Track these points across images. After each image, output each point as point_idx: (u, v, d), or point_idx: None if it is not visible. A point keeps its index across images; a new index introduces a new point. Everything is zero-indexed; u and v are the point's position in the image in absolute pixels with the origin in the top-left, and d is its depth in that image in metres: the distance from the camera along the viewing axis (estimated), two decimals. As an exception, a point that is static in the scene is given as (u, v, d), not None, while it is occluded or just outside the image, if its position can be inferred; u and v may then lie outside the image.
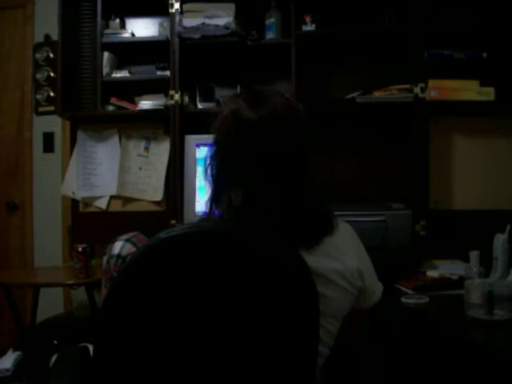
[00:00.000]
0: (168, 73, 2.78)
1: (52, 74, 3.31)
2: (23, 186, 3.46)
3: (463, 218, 2.65)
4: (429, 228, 2.51)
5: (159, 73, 2.86)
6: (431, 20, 2.54)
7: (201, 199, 2.47)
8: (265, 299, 0.93)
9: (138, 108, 2.83)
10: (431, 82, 2.52)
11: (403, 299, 1.76)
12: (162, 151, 2.93)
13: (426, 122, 2.58)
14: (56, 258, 3.31)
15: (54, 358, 1.93)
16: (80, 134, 3.00)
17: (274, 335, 0.93)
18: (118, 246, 1.32)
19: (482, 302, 1.49)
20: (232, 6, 2.66)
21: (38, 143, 3.43)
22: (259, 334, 0.93)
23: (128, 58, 2.97)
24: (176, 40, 2.72)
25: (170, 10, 2.75)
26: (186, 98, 2.82)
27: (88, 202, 3.01)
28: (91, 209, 3.01)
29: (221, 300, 0.92)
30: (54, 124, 3.31)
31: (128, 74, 2.90)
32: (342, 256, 1.12)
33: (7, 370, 2.10)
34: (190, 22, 2.67)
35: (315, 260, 1.03)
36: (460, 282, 1.78)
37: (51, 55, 3.31)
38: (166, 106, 2.78)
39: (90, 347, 1.07)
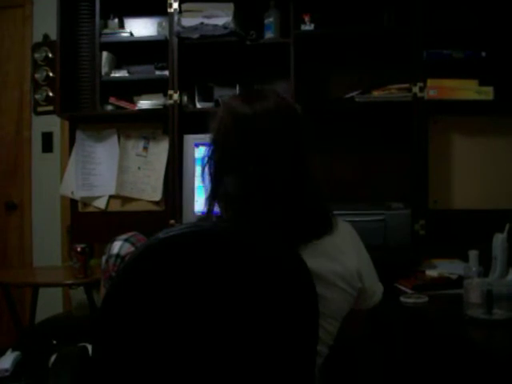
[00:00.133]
0: (167, 72, 2.78)
1: (51, 74, 3.31)
2: (22, 185, 3.45)
3: (462, 217, 2.65)
4: (428, 227, 2.51)
5: (158, 72, 2.86)
6: (430, 19, 2.54)
7: (199, 199, 2.47)
8: (264, 298, 0.93)
9: (136, 108, 2.83)
10: (430, 82, 2.52)
11: (402, 298, 1.76)
12: (160, 151, 2.93)
13: (425, 122, 2.58)
14: (55, 257, 3.31)
15: (53, 358, 1.92)
16: (79, 134, 3.00)
17: (272, 335, 0.93)
18: (116, 246, 1.31)
19: (481, 302, 1.49)
20: (231, 6, 2.66)
21: (36, 143, 3.43)
22: (258, 333, 0.93)
23: (127, 57, 2.97)
24: (175, 40, 2.72)
25: (169, 10, 2.75)
26: (185, 98, 2.82)
27: (87, 201, 3.01)
28: (90, 208, 3.01)
29: (220, 299, 0.92)
30: (53, 124, 3.31)
31: (127, 74, 2.90)
32: (342, 256, 1.11)
33: (6, 370, 2.10)
34: (188, 21, 2.67)
35: (315, 262, 1.02)
36: (459, 282, 1.78)
37: (50, 55, 3.31)
38: (164, 106, 2.78)
39: (89, 347, 1.07)
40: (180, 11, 2.72)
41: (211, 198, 1.11)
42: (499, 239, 1.76)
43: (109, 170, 2.97)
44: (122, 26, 2.96)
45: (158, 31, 2.89)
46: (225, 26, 2.62)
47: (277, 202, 1.05)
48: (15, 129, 3.48)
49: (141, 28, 2.99)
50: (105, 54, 2.87)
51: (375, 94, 2.59)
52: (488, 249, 1.79)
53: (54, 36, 3.04)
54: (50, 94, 3.33)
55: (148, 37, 2.90)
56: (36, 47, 3.37)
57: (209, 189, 1.12)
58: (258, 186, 1.05)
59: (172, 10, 2.74)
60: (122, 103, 2.86)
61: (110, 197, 2.98)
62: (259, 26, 2.73)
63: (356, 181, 2.76)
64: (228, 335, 0.92)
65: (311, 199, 1.10)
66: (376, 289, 1.24)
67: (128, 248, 1.30)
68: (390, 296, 1.44)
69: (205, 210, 1.12)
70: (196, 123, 2.58)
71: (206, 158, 1.12)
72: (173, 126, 2.75)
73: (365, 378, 1.64)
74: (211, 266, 0.91)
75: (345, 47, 2.78)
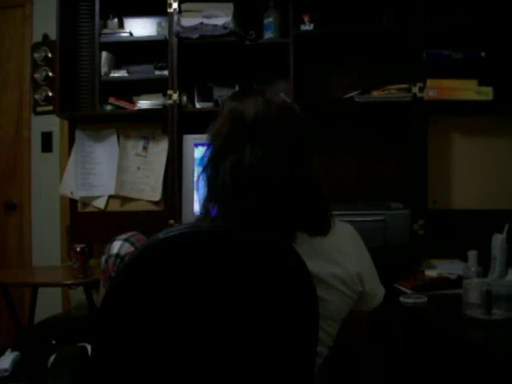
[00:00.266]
0: (166, 72, 2.78)
1: (50, 74, 3.30)
2: (21, 185, 3.45)
3: (462, 217, 2.65)
4: (427, 227, 2.51)
5: (157, 72, 2.85)
6: (430, 20, 2.55)
7: (199, 199, 2.46)
8: (263, 298, 0.93)
9: (136, 108, 2.83)
10: (429, 82, 2.52)
11: (402, 299, 1.76)
12: (160, 151, 2.93)
13: (424, 122, 2.58)
14: (54, 257, 3.31)
15: (52, 358, 1.92)
16: (78, 134, 3.00)
17: (272, 335, 0.93)
18: (116, 246, 1.31)
19: (480, 302, 1.50)
20: (230, 6, 2.66)
21: (36, 143, 3.43)
22: (257, 334, 0.93)
23: (126, 57, 2.97)
24: (174, 40, 2.72)
25: (169, 10, 2.75)
26: (185, 98, 2.82)
27: (86, 201, 3.01)
28: (89, 208, 3.01)
29: (220, 300, 0.91)
30: (53, 124, 3.31)
31: (126, 74, 2.90)
32: (342, 258, 1.11)
33: (5, 370, 2.09)
34: (188, 21, 2.67)
35: (315, 265, 1.02)
36: (458, 282, 1.79)
37: (49, 55, 3.31)
38: (164, 106, 2.78)
39: (89, 347, 1.07)
40: (179, 11, 2.72)
41: (209, 198, 1.11)
42: (498, 239, 1.76)
43: (108, 170, 2.97)
44: (121, 25, 2.96)
45: (158, 31, 2.89)
46: (224, 26, 2.62)
47: (275, 201, 1.05)
48: (15, 129, 3.48)
49: (140, 28, 2.99)
50: (104, 53, 2.87)
51: (375, 94, 2.59)
52: (487, 249, 1.79)
53: (53, 36, 3.03)
54: (50, 94, 3.32)
55: (147, 37, 2.90)
56: (36, 47, 3.36)
57: (206, 189, 1.12)
58: (256, 184, 1.05)
59: (171, 10, 2.74)
60: (122, 103, 2.86)
61: (110, 197, 2.98)
62: (259, 26, 2.73)
63: (355, 181, 2.76)
64: (228, 336, 0.92)
65: (310, 198, 1.10)
66: (377, 291, 1.24)
67: (128, 248, 1.30)
68: (390, 296, 1.44)
69: (202, 210, 1.12)
70: (195, 123, 2.57)
71: (205, 159, 1.12)
72: (172, 126, 2.75)
73: (364, 377, 1.64)
74: (211, 266, 0.91)
75: (344, 47, 2.78)
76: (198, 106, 2.84)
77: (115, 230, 1.53)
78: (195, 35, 2.66)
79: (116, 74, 2.88)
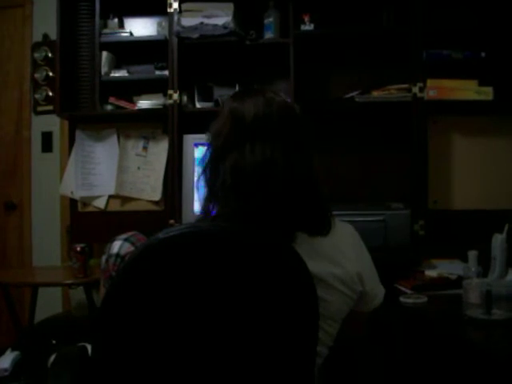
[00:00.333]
0: (166, 72, 2.78)
1: (50, 74, 3.31)
2: (21, 185, 3.45)
3: (462, 217, 2.65)
4: (427, 228, 2.51)
5: (158, 72, 2.86)
6: (430, 19, 2.55)
7: (199, 198, 2.46)
8: (263, 298, 0.93)
9: (136, 107, 2.83)
10: (430, 82, 2.52)
11: (402, 299, 1.76)
12: (160, 151, 2.93)
13: (424, 122, 2.58)
14: (54, 257, 3.31)
15: (52, 358, 1.92)
16: (78, 134, 3.00)
17: (272, 335, 0.93)
18: (116, 245, 1.31)
19: (481, 302, 1.50)
20: (230, 6, 2.66)
21: (36, 143, 3.43)
22: (257, 333, 0.93)
23: (126, 57, 2.97)
24: (174, 39, 2.72)
25: (169, 10, 2.75)
26: (185, 98, 2.82)
27: (86, 201, 3.01)
28: (90, 208, 3.01)
29: (220, 300, 0.92)
30: (53, 123, 3.31)
31: (126, 74, 2.90)
32: (342, 258, 1.11)
33: (5, 370, 2.10)
34: (188, 21, 2.67)
35: (315, 265, 1.02)
36: (458, 282, 1.79)
37: (50, 55, 3.31)
38: (164, 106, 2.78)
39: (89, 347, 1.07)
40: (180, 11, 2.72)
41: (209, 198, 1.11)
42: (498, 240, 1.76)
43: (108, 170, 2.97)
44: (121, 25, 2.96)
45: (158, 31, 2.89)
46: (224, 26, 2.62)
47: (275, 201, 1.05)
48: (15, 128, 3.48)
49: (140, 28, 2.99)
50: (104, 53, 2.87)
51: (375, 94, 2.59)
52: (487, 249, 1.79)
53: (53, 36, 3.04)
54: (50, 94, 3.33)
55: (148, 37, 2.90)
56: (36, 47, 3.37)
57: (207, 189, 1.12)
58: (256, 185, 1.05)
59: (172, 10, 2.74)
60: (122, 103, 2.86)
61: (110, 197, 2.98)
62: (259, 25, 2.73)
63: (356, 181, 2.76)
64: (228, 336, 0.92)
65: (310, 199, 1.10)
66: (377, 292, 1.24)
67: (128, 247, 1.30)
68: (390, 296, 1.44)
69: (202, 210, 1.12)
70: (196, 123, 2.57)
71: (206, 160, 1.12)
72: (172, 125, 2.75)
73: (364, 377, 1.64)
74: (211, 266, 0.91)
75: (344, 47, 2.78)
76: (198, 105, 2.84)
77: (115, 229, 1.53)
78: (195, 35, 2.66)
79: (116, 74, 2.88)
